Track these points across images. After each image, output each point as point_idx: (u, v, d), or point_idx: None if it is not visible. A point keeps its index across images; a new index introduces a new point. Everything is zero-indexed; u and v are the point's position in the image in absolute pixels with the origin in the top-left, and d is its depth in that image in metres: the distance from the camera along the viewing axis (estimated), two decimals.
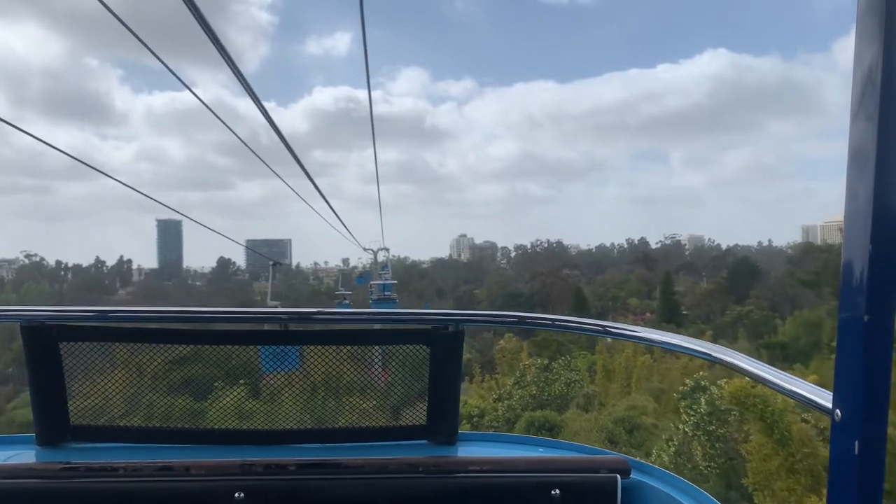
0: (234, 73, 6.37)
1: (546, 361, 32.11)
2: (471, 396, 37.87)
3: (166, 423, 2.79)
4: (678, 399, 20.17)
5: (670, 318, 73.28)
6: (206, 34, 5.39)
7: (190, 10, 4.80)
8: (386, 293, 54.07)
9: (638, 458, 2.58)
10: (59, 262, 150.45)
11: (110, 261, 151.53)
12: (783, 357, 52.06)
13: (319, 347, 2.71)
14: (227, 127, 12.69)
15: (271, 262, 34.50)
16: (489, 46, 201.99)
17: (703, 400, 17.34)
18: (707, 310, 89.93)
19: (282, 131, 9.83)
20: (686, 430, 17.53)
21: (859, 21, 1.12)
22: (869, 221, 1.10)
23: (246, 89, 7.08)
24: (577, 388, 30.47)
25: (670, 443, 19.00)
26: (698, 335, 56.03)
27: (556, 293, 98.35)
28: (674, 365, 37.77)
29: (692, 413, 17.51)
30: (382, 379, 2.98)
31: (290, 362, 3.05)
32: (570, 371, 30.93)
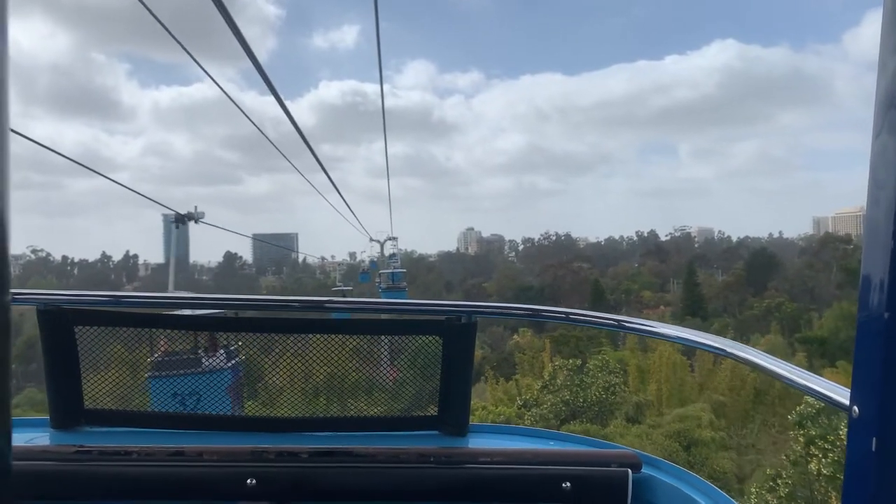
0: (255, 66, 6.65)
1: (579, 362, 26.79)
2: (487, 400, 32.65)
3: (179, 408, 2.71)
4: (794, 424, 14.97)
5: (694, 311, 67.60)
6: (230, 27, 5.52)
7: (214, 2, 5.08)
8: (396, 282, 50.94)
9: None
10: (65, 258, 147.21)
11: (116, 256, 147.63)
12: (821, 353, 46.56)
13: (332, 336, 2.63)
14: (251, 120, 12.35)
15: (174, 219, 22.07)
16: (496, 38, 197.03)
17: (841, 427, 12.20)
18: (724, 302, 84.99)
19: (293, 125, 9.74)
20: (823, 469, 12.32)
21: (884, 31, 1.07)
22: (892, 217, 1.06)
23: (266, 83, 7.35)
24: (620, 393, 25.14)
25: (780, 481, 13.77)
26: (750, 334, 51.04)
27: (569, 286, 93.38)
28: (713, 365, 32.50)
29: (827, 446, 12.33)
30: (394, 370, 2.89)
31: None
32: (608, 373, 25.59)
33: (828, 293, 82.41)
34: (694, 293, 75.70)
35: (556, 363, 27.03)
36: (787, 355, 39.51)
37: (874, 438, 1.13)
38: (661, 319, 42.73)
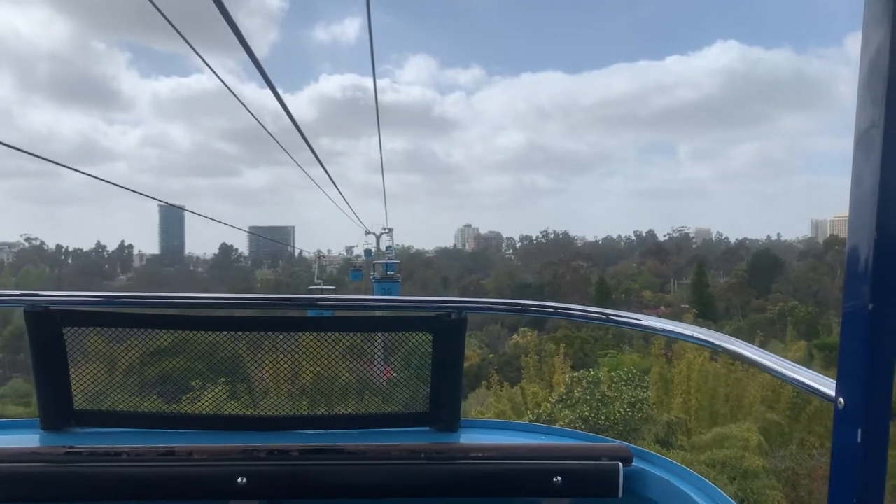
0: (251, 59, 6.52)
1: (600, 374, 22.56)
2: (489, 409, 28.33)
3: (170, 408, 2.65)
4: None
5: (703, 313, 63.32)
6: (226, 20, 5.33)
7: None
8: (389, 273, 48.26)
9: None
10: (59, 247, 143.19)
11: (111, 246, 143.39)
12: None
13: (322, 334, 2.58)
14: (251, 113, 12.39)
15: None
16: (498, 35, 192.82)
17: None
18: (727, 304, 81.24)
19: (291, 119, 9.79)
20: None
21: (867, 4, 1.09)
22: (875, 208, 1.06)
23: (264, 77, 7.26)
24: (646, 410, 20.96)
25: None
26: (767, 340, 47.01)
27: (569, 284, 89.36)
28: (740, 373, 28.28)
29: None
30: (387, 369, 2.81)
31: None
32: (634, 387, 21.41)
33: (832, 296, 78.88)
34: (703, 295, 71.48)
35: (576, 375, 22.78)
36: (808, 362, 35.42)
37: (860, 430, 1.12)
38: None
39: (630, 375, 22.09)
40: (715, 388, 25.56)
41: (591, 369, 24.06)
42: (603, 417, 20.50)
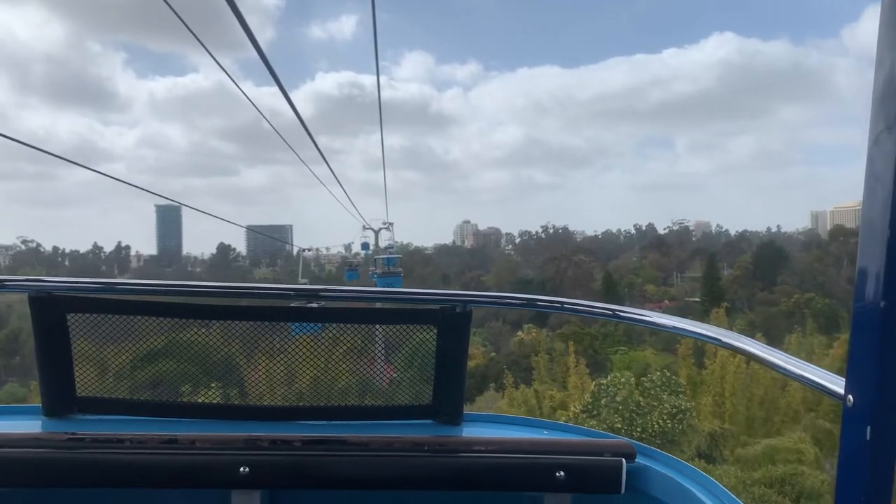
0: (259, 56, 6.69)
1: (632, 378, 19.79)
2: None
3: (173, 397, 2.62)
4: None
5: (717, 307, 60.64)
6: (236, 17, 5.47)
7: None
8: (391, 268, 46.79)
9: None
10: (56, 249, 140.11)
11: (108, 247, 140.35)
12: None
13: (326, 325, 2.60)
14: (257, 109, 12.53)
15: None
16: (494, 30, 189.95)
17: None
18: (733, 296, 78.69)
19: (290, 117, 10.46)
20: None
21: (882, 26, 1.10)
22: (888, 207, 1.06)
23: (272, 74, 7.42)
24: (689, 419, 18.23)
25: None
26: (781, 335, 44.00)
27: (571, 279, 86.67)
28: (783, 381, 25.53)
29: None
30: (390, 369, 2.85)
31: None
32: (674, 394, 18.65)
33: (839, 287, 76.49)
34: (714, 288, 68.71)
35: (603, 382, 20.01)
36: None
37: (868, 428, 1.12)
38: (719, 321, 35.44)
39: (667, 380, 19.35)
40: (752, 390, 22.91)
41: (619, 374, 21.28)
42: (639, 429, 17.81)
